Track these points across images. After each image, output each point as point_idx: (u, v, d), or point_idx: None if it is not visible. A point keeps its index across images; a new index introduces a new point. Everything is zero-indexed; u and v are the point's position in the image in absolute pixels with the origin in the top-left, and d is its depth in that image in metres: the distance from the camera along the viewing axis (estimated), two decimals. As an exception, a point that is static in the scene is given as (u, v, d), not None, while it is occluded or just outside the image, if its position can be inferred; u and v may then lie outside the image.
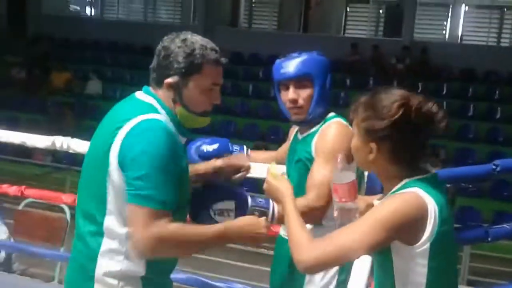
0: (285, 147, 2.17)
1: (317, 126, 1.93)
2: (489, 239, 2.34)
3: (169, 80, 1.51)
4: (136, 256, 1.44)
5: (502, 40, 12.66)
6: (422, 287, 1.33)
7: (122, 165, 1.42)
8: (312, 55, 1.91)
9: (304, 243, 1.34)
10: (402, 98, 1.34)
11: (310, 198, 1.80)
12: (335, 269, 1.87)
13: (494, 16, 12.65)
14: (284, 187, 1.52)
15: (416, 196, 1.31)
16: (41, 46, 12.24)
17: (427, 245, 1.30)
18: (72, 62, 11.82)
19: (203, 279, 2.32)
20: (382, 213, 1.30)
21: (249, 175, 2.16)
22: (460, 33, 12.81)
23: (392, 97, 1.35)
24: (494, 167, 2.27)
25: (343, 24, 13.59)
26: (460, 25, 12.78)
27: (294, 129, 2.10)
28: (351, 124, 1.50)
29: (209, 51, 1.53)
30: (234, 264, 4.88)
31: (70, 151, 2.34)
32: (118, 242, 1.46)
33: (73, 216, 3.73)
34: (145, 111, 1.47)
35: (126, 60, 12.46)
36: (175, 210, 1.44)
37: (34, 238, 3.40)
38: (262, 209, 1.65)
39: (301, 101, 1.88)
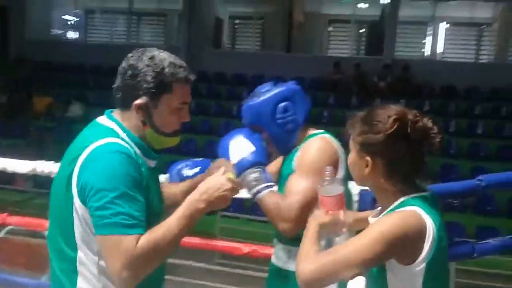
0: (276, 164, 2.14)
1: (301, 144, 1.91)
2: (475, 254, 2.35)
3: (138, 101, 1.42)
4: (125, 286, 1.35)
5: (481, 56, 12.93)
6: None
7: (82, 197, 1.35)
8: (254, 102, 1.88)
9: (307, 256, 1.35)
10: (397, 112, 1.35)
11: (286, 200, 1.75)
12: None
13: (472, 33, 12.93)
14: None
15: (415, 215, 1.30)
16: (23, 70, 12.17)
17: (423, 265, 1.29)
18: (55, 86, 11.74)
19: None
20: (381, 229, 1.29)
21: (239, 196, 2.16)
22: (440, 51, 13.05)
23: (388, 112, 1.36)
24: (478, 182, 2.30)
25: (325, 44, 13.78)
26: (440, 43, 13.03)
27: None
28: (343, 140, 1.50)
29: (178, 69, 1.44)
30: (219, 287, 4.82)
31: (52, 176, 2.30)
32: (93, 277, 1.39)
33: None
34: (103, 136, 1.40)
35: (109, 83, 12.31)
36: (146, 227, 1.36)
37: (16, 266, 3.32)
38: None
39: (265, 143, 1.89)
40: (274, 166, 2.11)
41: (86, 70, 13.03)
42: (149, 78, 1.41)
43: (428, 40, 13.20)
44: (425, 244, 1.28)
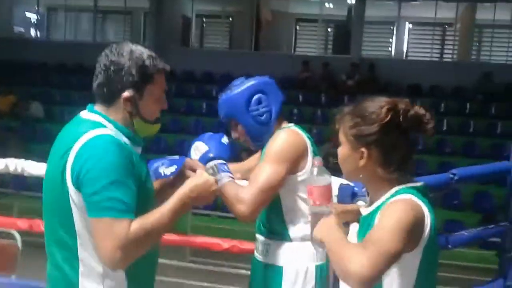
0: (250, 162, 2.13)
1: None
2: (449, 246, 2.40)
3: (125, 94, 1.50)
4: (112, 268, 1.42)
5: (444, 55, 13.25)
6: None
7: (77, 186, 1.41)
8: (228, 95, 1.89)
9: (349, 257, 1.26)
10: (389, 103, 1.38)
11: (244, 189, 1.75)
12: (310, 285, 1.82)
13: (436, 33, 13.23)
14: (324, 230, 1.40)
15: (415, 203, 1.33)
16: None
17: (421, 250, 1.32)
18: (17, 85, 11.42)
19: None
20: (398, 218, 1.28)
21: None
22: (405, 50, 13.31)
23: (379, 103, 1.39)
24: (451, 176, 2.35)
25: (293, 43, 13.86)
26: (404, 42, 13.30)
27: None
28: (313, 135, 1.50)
29: (156, 60, 1.54)
30: (193, 284, 4.80)
31: (25, 174, 2.23)
32: (95, 263, 1.45)
33: (24, 242, 3.57)
34: (91, 128, 1.46)
35: (75, 81, 12.18)
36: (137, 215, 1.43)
37: (-17, 267, 3.22)
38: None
39: (241, 137, 1.91)
40: (252, 161, 2.11)
41: (49, 68, 12.72)
42: (133, 71, 1.49)
43: (393, 40, 13.45)
44: (425, 231, 1.32)
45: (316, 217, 1.46)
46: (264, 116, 1.87)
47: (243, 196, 1.72)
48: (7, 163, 2.26)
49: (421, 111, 1.38)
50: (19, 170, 2.23)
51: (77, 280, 1.46)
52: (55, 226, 1.49)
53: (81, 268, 1.46)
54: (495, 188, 7.66)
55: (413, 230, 1.29)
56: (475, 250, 5.95)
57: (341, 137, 1.46)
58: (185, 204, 1.50)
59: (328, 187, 1.45)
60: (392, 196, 1.37)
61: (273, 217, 1.85)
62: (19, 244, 3.43)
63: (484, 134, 9.77)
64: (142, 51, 1.53)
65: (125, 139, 1.50)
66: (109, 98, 1.52)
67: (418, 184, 1.40)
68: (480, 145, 9.46)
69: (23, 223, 2.40)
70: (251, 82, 1.90)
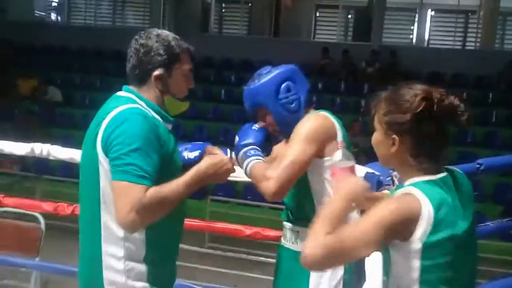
0: (280, 148, 2.09)
1: None
2: (475, 237, 2.37)
3: (156, 73, 1.64)
4: (124, 229, 1.53)
5: (467, 43, 13.01)
6: (416, 284, 1.34)
7: (106, 152, 1.54)
8: (255, 84, 1.88)
9: (315, 235, 1.30)
10: (424, 91, 1.37)
11: (271, 167, 1.76)
12: (339, 275, 1.82)
13: (459, 20, 12.99)
14: (348, 186, 1.44)
15: (409, 197, 1.32)
16: (4, 52, 11.91)
17: (420, 245, 1.31)
18: (38, 68, 11.53)
19: (189, 284, 2.27)
20: (379, 214, 1.31)
21: (234, 178, 2.16)
22: (427, 37, 13.10)
23: (414, 91, 1.38)
24: (478, 166, 2.31)
25: (313, 29, 13.73)
26: (426, 29, 13.08)
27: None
28: (366, 122, 1.50)
29: (181, 41, 1.70)
30: (210, 270, 4.83)
31: (50, 158, 2.26)
32: (116, 227, 1.56)
33: (47, 225, 3.63)
34: (124, 103, 1.60)
35: (95, 66, 12.26)
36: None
37: (8, 249, 3.28)
38: None
39: (270, 127, 1.90)
40: (275, 151, 2.09)
41: (70, 52, 12.81)
42: (161, 51, 1.64)
43: (415, 27, 13.24)
44: (419, 224, 1.30)
45: None
46: (294, 104, 1.86)
47: (270, 174, 1.73)
48: (33, 147, 2.28)
49: (456, 101, 1.37)
50: (44, 153, 2.25)
51: (100, 245, 1.58)
52: (86, 194, 1.63)
53: (104, 233, 1.58)
54: (517, 179, 7.56)
55: (395, 227, 1.30)
56: (495, 241, 5.89)
57: (376, 123, 1.46)
58: (200, 179, 1.61)
59: (352, 169, 1.44)
60: (403, 187, 1.39)
61: (302, 203, 1.85)
62: (43, 227, 3.49)
63: (506, 124, 9.61)
64: (167, 34, 1.69)
65: (155, 115, 1.63)
66: (141, 78, 1.66)
67: (439, 176, 1.38)
68: (501, 135, 9.31)
69: (48, 206, 2.43)
70: (278, 70, 1.89)
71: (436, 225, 1.31)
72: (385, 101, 1.43)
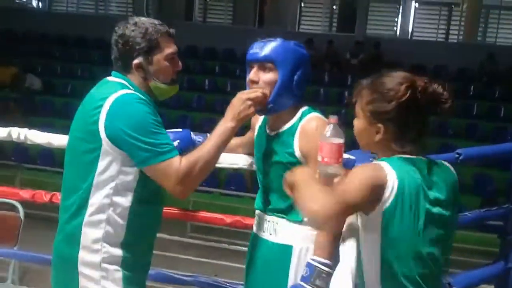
0: (250, 135, 2.05)
1: (293, 121, 1.80)
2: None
3: (135, 61, 1.67)
4: (182, 198, 1.62)
5: (450, 36, 13.11)
6: (377, 253, 1.37)
7: (114, 138, 1.57)
8: (287, 43, 1.79)
9: (314, 198, 1.33)
10: (408, 80, 1.38)
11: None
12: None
13: (442, 13, 13.07)
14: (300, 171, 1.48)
15: (376, 167, 1.35)
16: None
17: (380, 216, 1.33)
18: (18, 56, 11.34)
19: (170, 273, 2.26)
20: (356, 178, 1.34)
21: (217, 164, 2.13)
22: (410, 29, 13.17)
23: (397, 79, 1.39)
24: (457, 155, 2.33)
25: (297, 20, 13.70)
26: (410, 21, 13.14)
27: (257, 118, 1.95)
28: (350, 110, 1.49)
29: (159, 26, 1.70)
30: (191, 260, 4.83)
31: (28, 142, 2.22)
32: (101, 211, 1.62)
33: (26, 214, 3.58)
34: (119, 89, 1.63)
35: (76, 54, 12.09)
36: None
37: (-15, 238, 3.23)
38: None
39: (261, 84, 1.76)
40: (247, 139, 2.05)
41: (51, 39, 12.61)
42: (138, 40, 1.66)
43: (399, 19, 13.29)
44: (384, 194, 1.32)
45: (323, 177, 1.45)
46: (300, 86, 1.78)
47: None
48: (10, 131, 2.24)
49: (439, 89, 1.38)
50: (22, 138, 2.21)
51: (81, 225, 1.62)
52: (74, 177, 1.66)
53: (87, 214, 1.62)
54: (496, 171, 7.66)
55: (370, 192, 1.32)
56: (474, 232, 5.98)
57: (358, 111, 1.45)
58: (227, 129, 1.67)
59: (339, 146, 1.44)
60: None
61: (281, 195, 1.81)
62: (22, 215, 3.44)
63: (487, 117, 9.73)
64: (144, 21, 1.70)
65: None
66: (124, 68, 1.69)
67: (413, 157, 1.40)
68: (482, 127, 9.43)
69: (26, 194, 2.39)
70: (306, 53, 1.82)
71: (398, 200, 1.33)
72: (368, 89, 1.43)
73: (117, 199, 1.62)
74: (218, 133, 1.67)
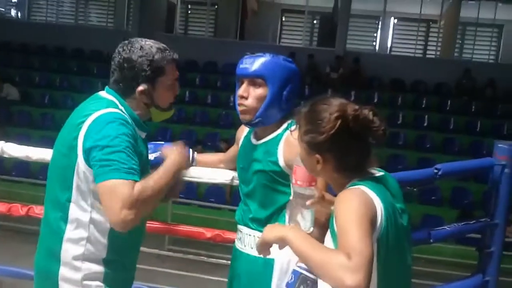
0: (233, 150, 2.07)
1: (278, 131, 1.81)
2: (431, 240, 2.42)
3: (140, 88, 1.65)
4: (121, 228, 1.49)
5: (428, 51, 13.36)
6: (374, 282, 1.29)
7: (86, 155, 1.54)
8: (277, 59, 1.80)
9: (336, 265, 1.18)
10: (338, 109, 1.35)
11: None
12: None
13: (421, 29, 13.32)
14: (278, 228, 1.37)
15: (360, 191, 1.31)
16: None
17: (376, 243, 1.28)
18: (-4, 66, 11.19)
19: (149, 287, 2.22)
20: (348, 208, 1.26)
21: (194, 179, 2.13)
22: (389, 45, 13.39)
23: (330, 109, 1.36)
24: (435, 171, 2.35)
25: (278, 33, 13.82)
26: (389, 37, 13.37)
27: (243, 131, 1.98)
28: None
29: (165, 52, 1.68)
30: (170, 273, 4.77)
31: (5, 155, 2.17)
32: (82, 227, 1.59)
33: (1, 226, 3.50)
34: (105, 107, 1.60)
35: (55, 64, 11.97)
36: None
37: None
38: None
39: (250, 100, 1.78)
40: (234, 149, 2.06)
41: (30, 49, 12.47)
42: (145, 67, 1.64)
43: (378, 34, 13.50)
44: (377, 220, 1.29)
45: (297, 198, 1.45)
46: (288, 102, 1.79)
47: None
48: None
49: (370, 116, 1.34)
50: (-3, 151, 2.17)
51: (62, 240, 1.59)
52: (56, 190, 1.63)
53: (68, 230, 1.59)
54: (473, 184, 7.77)
55: (371, 214, 1.27)
56: (452, 245, 6.04)
57: (298, 140, 1.44)
58: (173, 173, 1.61)
59: None
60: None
61: (267, 209, 1.80)
62: (-5, 228, 3.37)
63: (464, 131, 9.90)
64: (151, 45, 1.66)
65: (132, 122, 1.64)
66: (125, 92, 1.66)
67: (374, 175, 1.39)
68: (459, 142, 9.58)
69: (1, 207, 2.34)
70: (295, 68, 1.83)
71: (387, 223, 1.31)
72: (304, 119, 1.41)
73: (96, 216, 1.59)
74: (171, 170, 1.61)
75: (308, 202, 1.49)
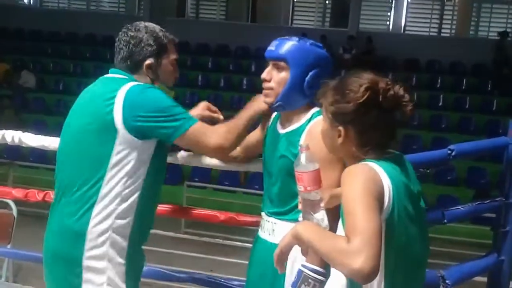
0: (256, 133, 2.01)
1: (302, 122, 1.78)
2: (445, 221, 2.40)
3: (147, 62, 1.75)
4: (222, 155, 1.81)
5: (443, 30, 13.13)
6: (381, 265, 1.23)
7: (135, 131, 1.62)
8: (303, 43, 1.76)
9: (343, 251, 1.16)
10: (369, 81, 1.33)
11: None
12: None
13: (435, 7, 13.08)
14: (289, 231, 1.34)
15: (369, 168, 1.29)
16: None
17: (384, 226, 1.25)
18: (10, 53, 11.26)
19: (164, 270, 2.26)
20: (353, 184, 1.24)
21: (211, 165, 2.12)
22: (403, 24, 13.18)
23: (360, 81, 1.34)
24: (449, 152, 2.33)
25: (290, 15, 13.68)
26: (403, 16, 13.15)
27: (269, 120, 1.94)
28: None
29: (166, 33, 1.81)
30: (186, 255, 4.83)
31: (23, 145, 2.20)
32: (111, 202, 1.65)
33: (19, 212, 3.56)
34: (127, 82, 1.69)
35: (68, 51, 12.03)
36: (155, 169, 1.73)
37: (-22, 236, 3.22)
38: None
39: (272, 83, 1.76)
40: (256, 133, 2.02)
41: (42, 36, 12.53)
42: (151, 42, 1.75)
43: (391, 13, 13.30)
44: (385, 198, 1.26)
45: (306, 203, 1.44)
46: (311, 88, 1.73)
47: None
48: (3, 134, 2.23)
49: (401, 91, 1.33)
50: (16, 141, 2.20)
51: (89, 217, 1.64)
52: (81, 171, 1.67)
53: (97, 207, 1.64)
54: (489, 163, 7.70)
55: (374, 187, 1.24)
56: (467, 225, 6.02)
57: (323, 112, 1.42)
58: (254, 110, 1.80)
59: (317, 172, 1.42)
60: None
61: (283, 196, 1.78)
62: (15, 213, 3.43)
63: (479, 110, 9.78)
64: (154, 25, 1.80)
65: None
66: (133, 68, 1.75)
67: (388, 155, 1.35)
68: (475, 121, 9.48)
69: (18, 192, 2.38)
70: (324, 52, 1.79)
71: (396, 203, 1.28)
72: (332, 90, 1.39)
73: (126, 192, 1.66)
74: (246, 112, 1.79)
75: (321, 206, 1.46)
